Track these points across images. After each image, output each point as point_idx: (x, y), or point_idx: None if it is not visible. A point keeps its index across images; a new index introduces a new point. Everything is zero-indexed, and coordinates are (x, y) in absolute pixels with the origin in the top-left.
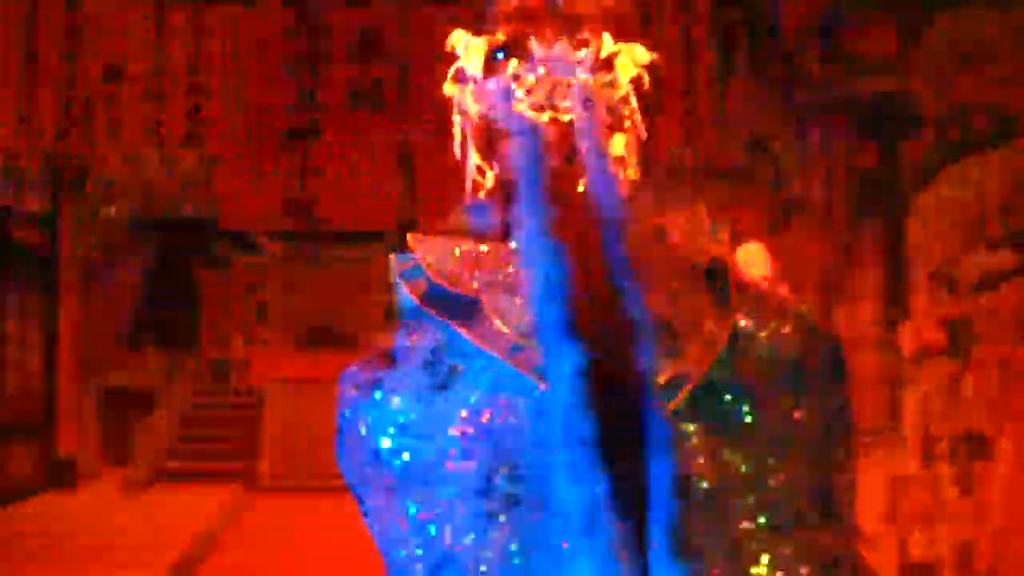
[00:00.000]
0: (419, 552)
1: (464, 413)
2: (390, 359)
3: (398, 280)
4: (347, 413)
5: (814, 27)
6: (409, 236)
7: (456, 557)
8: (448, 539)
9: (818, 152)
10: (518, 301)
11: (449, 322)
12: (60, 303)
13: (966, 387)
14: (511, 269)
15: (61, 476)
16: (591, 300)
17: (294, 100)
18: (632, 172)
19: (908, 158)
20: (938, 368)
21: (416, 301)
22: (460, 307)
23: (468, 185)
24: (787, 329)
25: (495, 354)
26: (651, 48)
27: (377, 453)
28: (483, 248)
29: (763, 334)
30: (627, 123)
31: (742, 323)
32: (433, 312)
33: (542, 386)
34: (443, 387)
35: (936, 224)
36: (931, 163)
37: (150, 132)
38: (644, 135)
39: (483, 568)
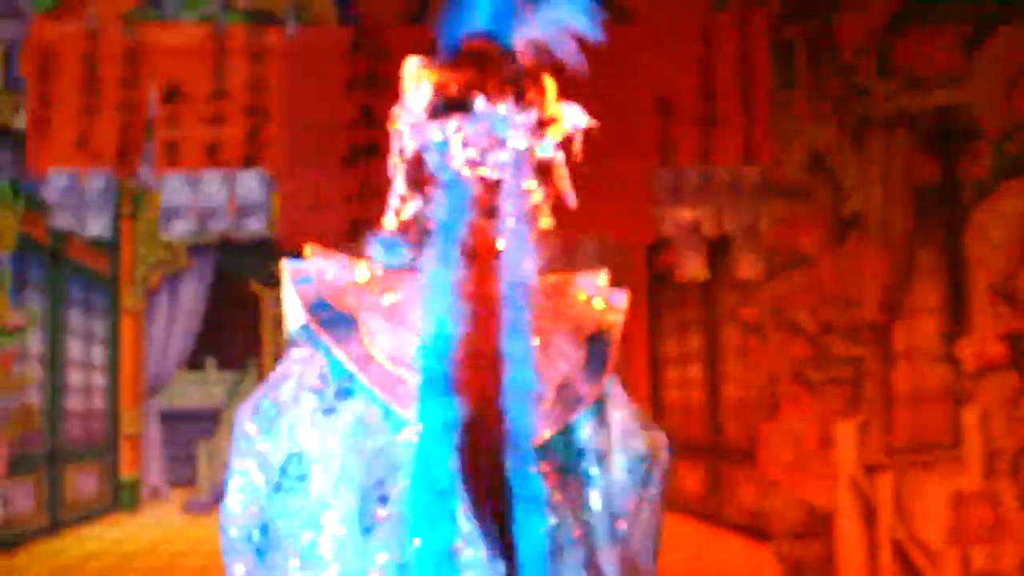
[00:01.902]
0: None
1: (346, 436)
2: (281, 386)
3: (289, 286)
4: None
5: (872, 42)
6: (307, 247)
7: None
8: (330, 555)
9: (877, 167)
10: (403, 333)
11: (326, 339)
12: (121, 325)
13: None
14: (400, 297)
15: (124, 498)
16: (478, 358)
17: (353, 119)
18: (545, 222)
19: (968, 172)
20: (999, 383)
21: (303, 310)
22: (341, 325)
23: (387, 214)
24: (638, 420)
25: (366, 382)
26: (703, 65)
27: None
28: (378, 272)
29: (618, 416)
30: (551, 174)
31: (611, 393)
32: (314, 325)
33: (410, 426)
34: (331, 410)
35: (996, 238)
36: (991, 177)
37: (209, 154)
38: (572, 198)
39: None
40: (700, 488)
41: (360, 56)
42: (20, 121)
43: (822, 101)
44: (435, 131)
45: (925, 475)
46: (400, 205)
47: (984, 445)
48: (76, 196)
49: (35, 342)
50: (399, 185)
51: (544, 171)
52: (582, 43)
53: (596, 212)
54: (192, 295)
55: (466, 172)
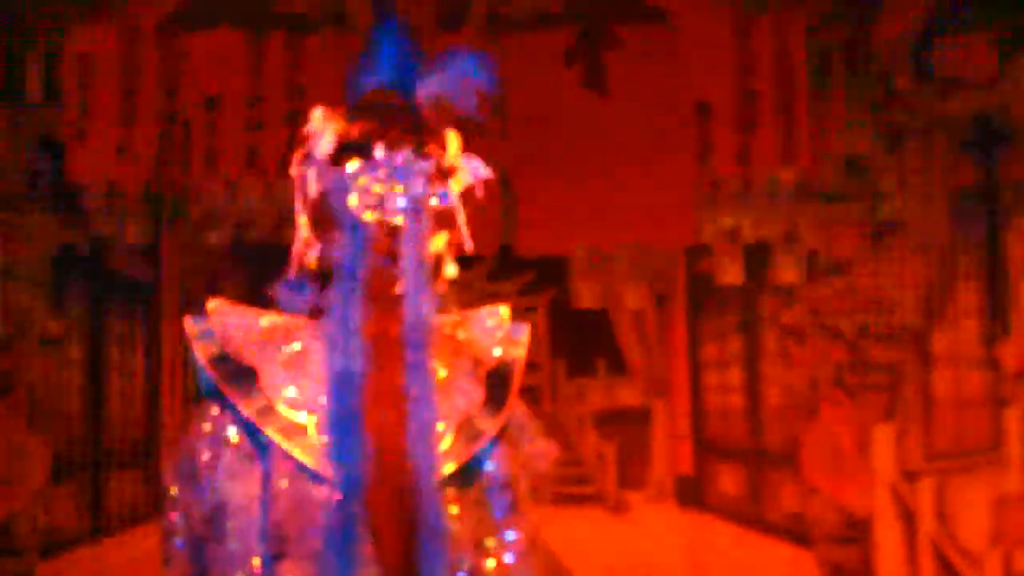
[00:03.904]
0: None
1: (261, 483)
2: (198, 444)
3: (193, 341)
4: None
5: (909, 46)
6: (209, 301)
7: None
8: None
9: (915, 171)
10: (303, 380)
11: (226, 391)
12: (162, 330)
13: None
14: (302, 345)
15: (164, 504)
16: (381, 397)
17: None
18: (450, 270)
19: (1006, 175)
20: None
21: (203, 364)
22: (243, 378)
23: (293, 259)
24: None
25: (268, 432)
26: (741, 70)
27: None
28: (279, 321)
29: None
30: (453, 222)
31: (513, 424)
32: (217, 380)
33: (313, 470)
34: (246, 459)
35: None
36: None
37: (249, 160)
38: (467, 244)
39: None
40: (740, 492)
41: None
42: (59, 129)
43: (859, 106)
44: (336, 176)
45: (966, 479)
46: (304, 250)
47: None
48: (115, 204)
49: (76, 349)
50: (303, 230)
51: (446, 219)
52: (484, 95)
53: (634, 217)
54: (231, 299)
55: (366, 217)
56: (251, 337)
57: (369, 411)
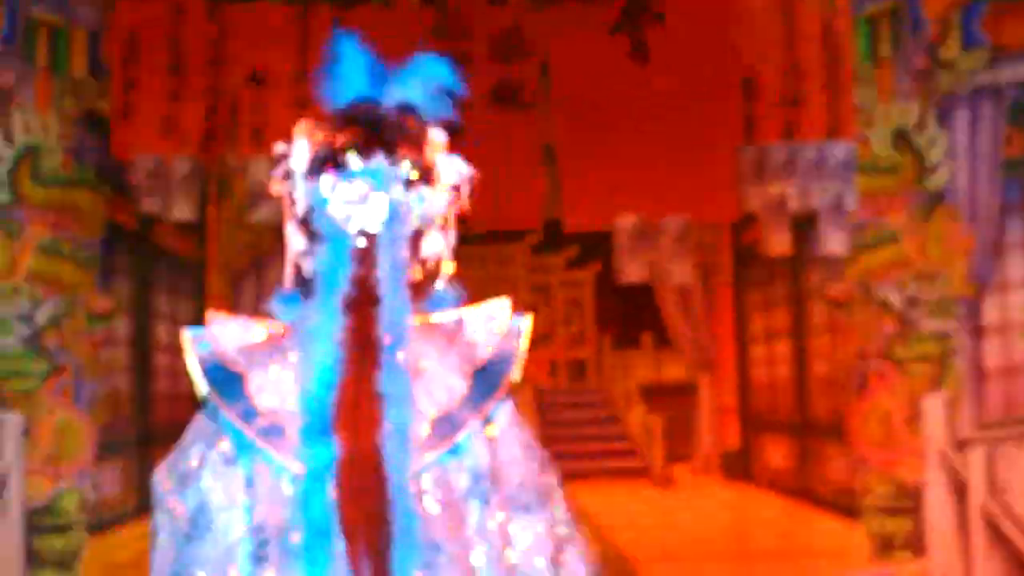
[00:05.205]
0: None
1: (244, 485)
2: (190, 449)
3: (189, 353)
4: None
5: (957, 15)
6: (208, 312)
7: None
8: None
9: (963, 141)
10: (288, 385)
11: (217, 400)
12: (208, 308)
13: None
14: (291, 351)
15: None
16: (358, 400)
17: None
18: (449, 266)
19: None
20: None
21: (200, 375)
22: (232, 385)
23: (287, 272)
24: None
25: (247, 434)
26: (787, 42)
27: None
28: (277, 330)
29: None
30: (444, 222)
31: (497, 427)
32: (208, 388)
33: (290, 472)
34: (230, 462)
35: None
36: None
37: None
38: (452, 239)
39: None
40: (788, 465)
41: (442, 36)
42: (105, 105)
43: (907, 76)
44: (314, 188)
45: (1018, 448)
46: (298, 260)
47: None
48: (162, 180)
49: (123, 326)
50: (296, 241)
51: (433, 217)
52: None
53: (680, 191)
54: (278, 278)
55: (343, 226)
56: (243, 346)
57: (343, 411)
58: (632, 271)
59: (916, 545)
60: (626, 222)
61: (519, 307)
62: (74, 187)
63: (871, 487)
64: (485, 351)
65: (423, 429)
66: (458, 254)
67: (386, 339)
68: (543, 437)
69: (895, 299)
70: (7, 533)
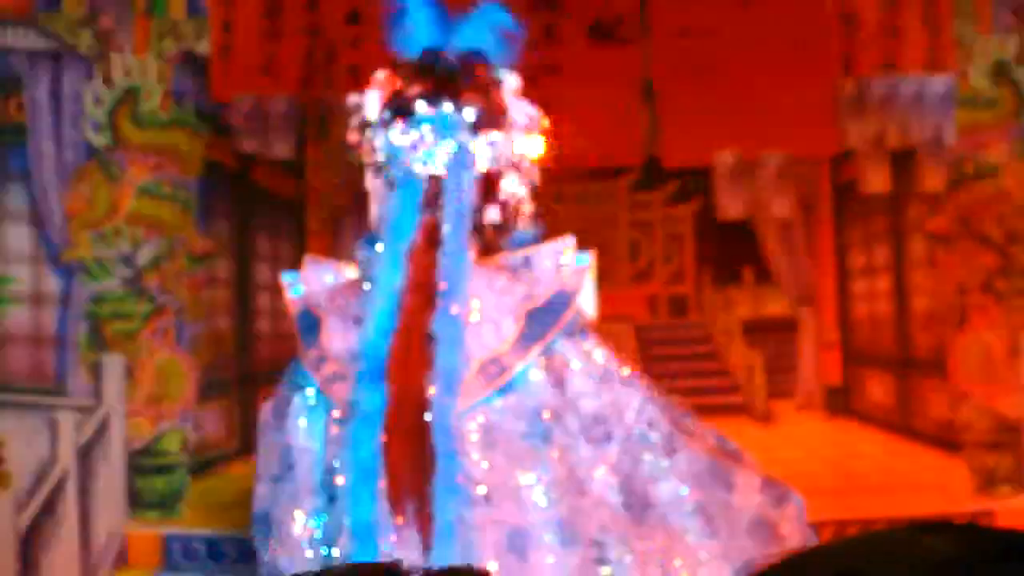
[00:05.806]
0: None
1: (317, 426)
2: (286, 388)
3: (285, 295)
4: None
5: None
6: (305, 257)
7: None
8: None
9: None
10: (355, 330)
11: (299, 343)
12: (309, 247)
13: None
14: (360, 298)
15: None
16: (410, 343)
17: (534, 37)
18: (528, 207)
19: None
20: None
21: (293, 316)
22: (313, 331)
23: (372, 216)
24: (597, 379)
25: (314, 379)
26: None
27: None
28: (351, 276)
29: (573, 374)
30: (523, 164)
31: (573, 364)
32: (296, 329)
33: (342, 414)
34: (311, 408)
35: None
36: None
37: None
38: (533, 180)
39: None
40: (889, 400)
41: None
42: (203, 47)
43: (1006, 8)
44: (385, 137)
45: None
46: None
47: None
48: (260, 120)
49: (223, 267)
50: (376, 188)
51: (510, 159)
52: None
53: (779, 127)
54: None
55: (413, 172)
56: (328, 290)
57: (396, 355)
58: (732, 207)
59: (1017, 479)
60: (725, 158)
61: (620, 244)
62: (173, 128)
63: (972, 422)
64: (545, 289)
65: (471, 372)
66: (558, 193)
67: (442, 285)
68: (643, 373)
69: (995, 233)
70: (110, 474)
